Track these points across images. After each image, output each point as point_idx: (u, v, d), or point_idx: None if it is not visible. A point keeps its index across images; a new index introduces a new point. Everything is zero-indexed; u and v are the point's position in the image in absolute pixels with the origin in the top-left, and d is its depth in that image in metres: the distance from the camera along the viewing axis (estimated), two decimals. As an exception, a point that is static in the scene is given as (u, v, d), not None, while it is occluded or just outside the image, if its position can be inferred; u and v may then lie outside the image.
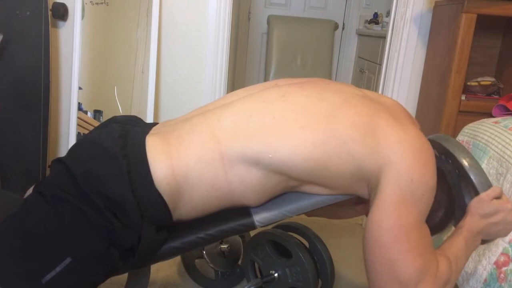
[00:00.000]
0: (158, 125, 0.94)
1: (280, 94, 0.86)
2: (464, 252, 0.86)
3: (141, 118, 1.03)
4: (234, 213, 0.96)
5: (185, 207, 0.85)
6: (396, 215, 0.77)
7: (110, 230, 0.77)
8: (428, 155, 0.81)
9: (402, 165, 0.78)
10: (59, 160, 0.83)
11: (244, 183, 0.83)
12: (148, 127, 0.91)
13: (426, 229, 0.81)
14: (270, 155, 0.80)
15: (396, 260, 0.76)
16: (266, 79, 3.25)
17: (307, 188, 0.90)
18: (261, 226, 0.96)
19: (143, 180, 0.79)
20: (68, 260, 0.76)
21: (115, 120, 0.96)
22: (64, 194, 0.77)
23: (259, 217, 0.95)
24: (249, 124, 0.82)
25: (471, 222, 0.88)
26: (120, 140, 0.82)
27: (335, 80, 3.49)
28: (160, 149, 0.82)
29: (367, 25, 3.21)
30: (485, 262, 1.06)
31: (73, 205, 0.76)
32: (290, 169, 0.82)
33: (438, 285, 0.78)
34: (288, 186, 0.89)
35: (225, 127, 0.83)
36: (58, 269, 0.75)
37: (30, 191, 0.97)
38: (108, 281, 0.85)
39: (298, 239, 1.22)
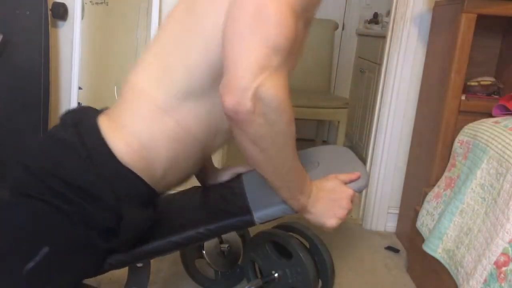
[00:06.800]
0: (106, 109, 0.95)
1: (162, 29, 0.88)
2: (292, 167, 0.83)
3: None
4: (234, 209, 0.98)
5: (164, 173, 0.85)
6: None
7: (83, 215, 0.77)
8: None
9: None
10: (18, 161, 0.83)
11: (197, 119, 0.83)
12: (98, 112, 0.91)
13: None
14: (185, 82, 0.80)
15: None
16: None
17: None
18: (261, 223, 0.96)
19: (108, 161, 0.79)
20: (46, 249, 0.76)
21: (67, 112, 0.95)
22: (28, 190, 0.78)
23: (259, 214, 0.95)
24: (159, 68, 0.83)
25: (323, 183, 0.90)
26: (73, 129, 0.82)
27: (335, 79, 3.49)
28: (110, 128, 0.82)
29: (367, 25, 3.21)
30: (485, 262, 1.06)
31: (39, 199, 0.77)
32: (206, 81, 0.81)
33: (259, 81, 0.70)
34: None
35: (144, 81, 0.83)
36: (37, 258, 0.75)
37: None
38: (108, 280, 0.85)
39: (298, 240, 1.22)
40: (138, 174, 0.81)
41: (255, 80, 0.70)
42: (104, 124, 0.83)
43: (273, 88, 0.71)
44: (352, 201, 0.91)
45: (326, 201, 0.89)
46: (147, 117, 0.82)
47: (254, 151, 0.77)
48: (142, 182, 0.82)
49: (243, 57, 0.71)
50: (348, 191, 0.91)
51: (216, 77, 0.79)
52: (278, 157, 0.79)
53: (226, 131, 0.89)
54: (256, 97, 0.70)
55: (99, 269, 0.87)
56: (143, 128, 0.82)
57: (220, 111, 0.82)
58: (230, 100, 0.71)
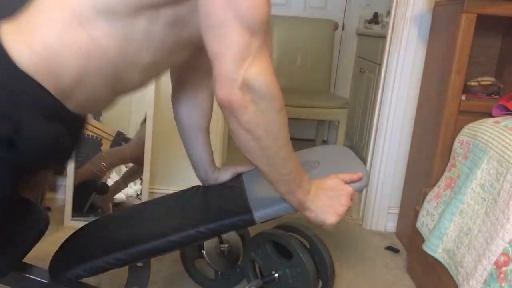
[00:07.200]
0: None
1: None
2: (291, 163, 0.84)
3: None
4: (234, 209, 0.98)
5: (72, 86, 0.78)
6: None
7: None
8: None
9: None
10: None
11: (113, 40, 0.77)
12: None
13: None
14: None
15: None
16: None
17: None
18: (261, 222, 0.96)
19: (2, 64, 0.72)
20: None
21: None
22: None
23: (259, 213, 0.95)
24: None
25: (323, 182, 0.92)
26: None
27: (335, 79, 3.49)
28: (13, 29, 0.76)
29: (367, 25, 3.21)
30: (485, 262, 1.06)
31: None
32: (131, 4, 0.76)
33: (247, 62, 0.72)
34: (166, 24, 0.81)
35: None
36: None
37: None
38: (108, 281, 0.85)
39: (298, 240, 1.22)
40: (38, 81, 0.74)
41: (240, 70, 0.72)
42: (6, 26, 0.77)
43: (259, 73, 0.73)
44: (351, 199, 0.91)
45: (326, 199, 0.89)
46: (59, 24, 0.75)
47: (248, 140, 0.78)
48: (44, 90, 0.75)
49: (224, 50, 0.73)
50: (347, 189, 0.91)
51: (142, 5, 0.76)
52: (272, 146, 0.80)
53: (145, 66, 0.84)
54: (245, 85, 0.73)
55: (13, 185, 0.81)
56: (52, 32, 0.75)
57: (142, 40, 0.80)
58: (221, 92, 0.73)
